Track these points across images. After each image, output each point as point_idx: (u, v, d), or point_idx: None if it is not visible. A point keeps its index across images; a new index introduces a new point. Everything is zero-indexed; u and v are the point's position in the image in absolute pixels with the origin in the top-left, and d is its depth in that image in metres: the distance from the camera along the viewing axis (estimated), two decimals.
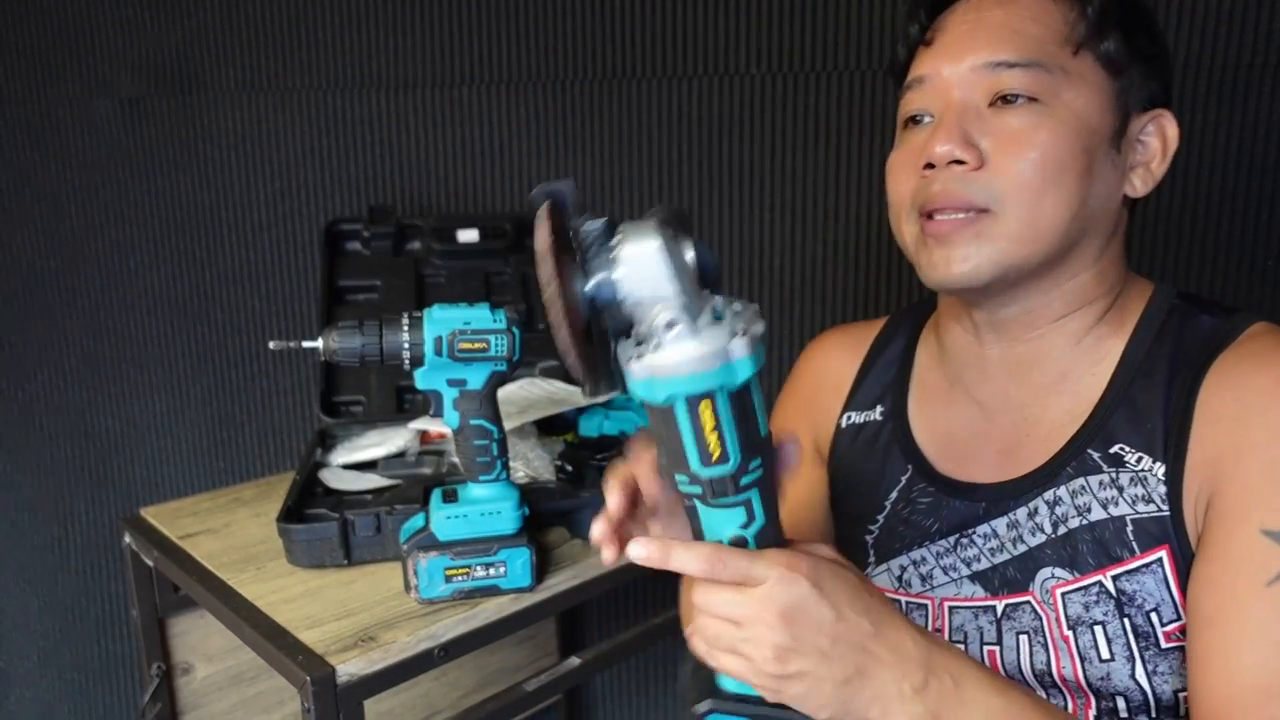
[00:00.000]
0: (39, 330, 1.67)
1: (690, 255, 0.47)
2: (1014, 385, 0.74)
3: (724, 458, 0.49)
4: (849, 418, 0.86)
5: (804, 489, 0.89)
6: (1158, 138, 0.71)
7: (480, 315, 0.91)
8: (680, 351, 0.46)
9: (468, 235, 1.46)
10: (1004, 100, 0.67)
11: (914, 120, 0.73)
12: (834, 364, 0.90)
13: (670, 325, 0.46)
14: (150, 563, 1.14)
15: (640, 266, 0.46)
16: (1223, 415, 0.63)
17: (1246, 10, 1.23)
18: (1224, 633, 0.58)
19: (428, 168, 1.58)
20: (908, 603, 0.77)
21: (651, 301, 0.46)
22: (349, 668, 0.85)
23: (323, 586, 0.99)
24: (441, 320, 0.90)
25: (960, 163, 0.67)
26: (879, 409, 0.84)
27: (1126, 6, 0.69)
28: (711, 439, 0.48)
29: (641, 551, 0.52)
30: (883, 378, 0.86)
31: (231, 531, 1.14)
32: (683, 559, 0.51)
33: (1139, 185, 0.71)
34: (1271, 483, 0.59)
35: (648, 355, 0.47)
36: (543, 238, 0.46)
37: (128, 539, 1.16)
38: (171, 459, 1.69)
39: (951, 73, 0.69)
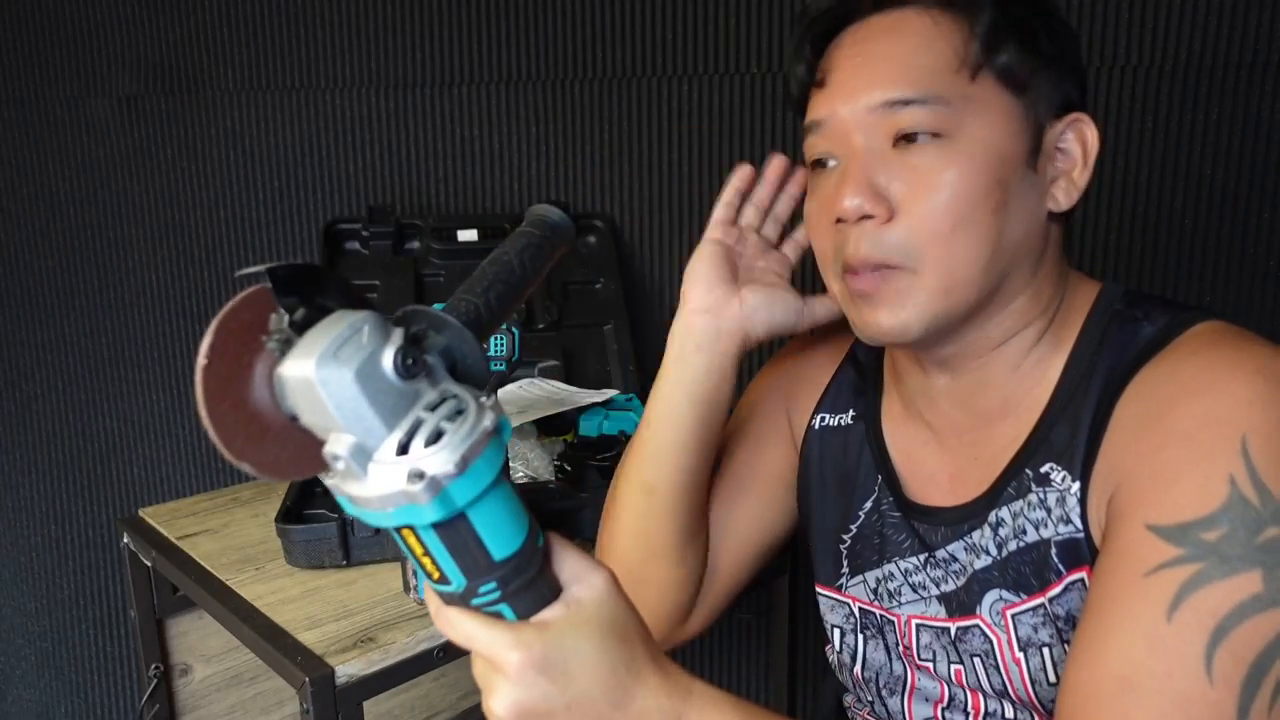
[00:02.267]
0: (37, 330, 1.66)
1: (387, 368, 0.39)
2: (960, 412, 0.72)
3: (445, 580, 0.44)
4: (822, 419, 0.85)
5: (775, 466, 0.87)
6: (1077, 144, 0.66)
7: None
8: (351, 488, 0.40)
9: (467, 235, 1.46)
10: (906, 139, 0.64)
11: (819, 163, 0.70)
12: (817, 356, 0.88)
13: (336, 459, 0.40)
14: (149, 563, 1.13)
15: (301, 395, 0.39)
16: (1128, 425, 0.61)
17: (1247, 10, 1.23)
18: (1096, 622, 0.57)
19: (427, 167, 1.58)
20: (881, 615, 0.76)
21: (324, 429, 0.40)
22: (348, 668, 0.85)
23: (321, 587, 0.99)
24: None
25: (870, 216, 0.64)
26: (851, 413, 0.83)
27: (1019, 10, 0.64)
28: (425, 562, 0.43)
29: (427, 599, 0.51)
30: (855, 383, 0.84)
31: (230, 532, 1.14)
32: (437, 618, 0.49)
33: (1062, 199, 0.66)
34: (1160, 482, 0.57)
35: (328, 479, 0.41)
36: (225, 311, 0.41)
37: (126, 539, 1.15)
38: (170, 459, 1.68)
39: (849, 114, 0.65)
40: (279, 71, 1.56)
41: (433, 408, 0.40)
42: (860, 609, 0.78)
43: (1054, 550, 0.64)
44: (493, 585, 0.44)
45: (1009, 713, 0.69)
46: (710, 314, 0.77)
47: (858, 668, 0.79)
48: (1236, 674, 0.52)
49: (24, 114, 1.61)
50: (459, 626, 0.48)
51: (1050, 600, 0.65)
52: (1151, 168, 1.31)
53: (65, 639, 1.75)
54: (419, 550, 0.43)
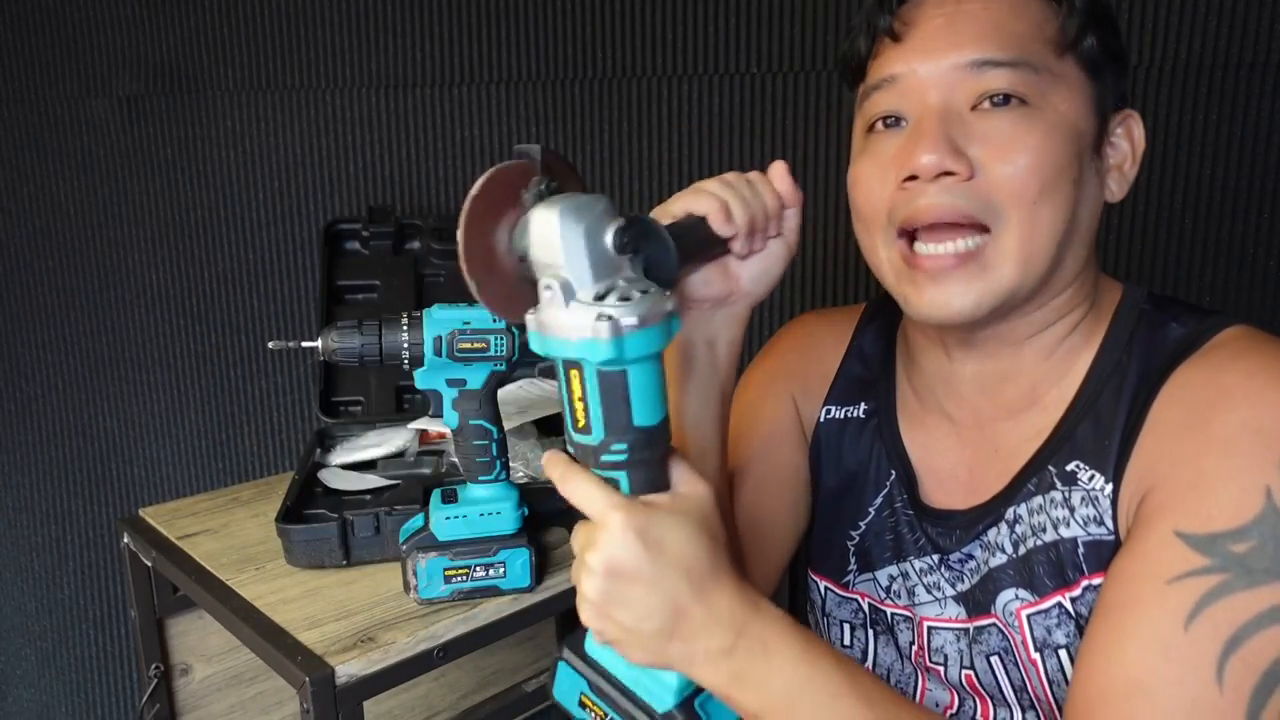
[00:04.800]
0: (37, 330, 1.66)
1: (609, 237, 0.51)
2: (985, 400, 0.71)
3: (587, 429, 0.52)
4: (829, 411, 0.83)
5: (793, 461, 0.84)
6: (1127, 139, 0.68)
7: (480, 315, 0.91)
8: (551, 316, 0.50)
9: None
10: (990, 102, 0.62)
11: (882, 123, 0.66)
12: (819, 349, 0.86)
13: (548, 288, 0.50)
14: (149, 563, 1.13)
15: (540, 232, 0.51)
16: (1166, 428, 0.61)
17: (1247, 10, 1.23)
18: (1112, 624, 0.57)
19: (427, 167, 1.58)
20: (894, 614, 0.75)
21: (546, 266, 0.51)
22: (348, 668, 0.85)
23: (322, 587, 0.99)
24: (441, 320, 0.89)
25: (949, 174, 0.61)
26: (862, 406, 0.81)
27: (1101, 5, 0.65)
28: (578, 406, 0.52)
29: (548, 465, 0.57)
30: (864, 374, 0.82)
31: (230, 532, 1.14)
32: (561, 481, 0.55)
33: (1115, 190, 0.67)
34: (1195, 489, 0.56)
35: (533, 312, 0.52)
36: (499, 168, 0.53)
37: (126, 539, 1.15)
38: (170, 459, 1.68)
39: (929, 72, 0.63)
40: (279, 71, 1.56)
41: (629, 280, 0.51)
42: (870, 605, 0.77)
43: (1080, 550, 0.64)
44: (624, 447, 0.52)
45: (1018, 719, 0.69)
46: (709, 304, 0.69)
47: (867, 665, 0.78)
48: (1248, 682, 0.52)
49: (24, 114, 1.61)
50: (580, 488, 0.54)
51: (1072, 599, 0.64)
52: (1151, 168, 1.31)
53: (65, 639, 1.75)
54: (577, 393, 0.51)
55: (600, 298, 0.50)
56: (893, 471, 0.77)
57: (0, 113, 1.61)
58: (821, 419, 0.83)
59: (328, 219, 1.50)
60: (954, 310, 0.63)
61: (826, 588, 0.81)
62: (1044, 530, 0.66)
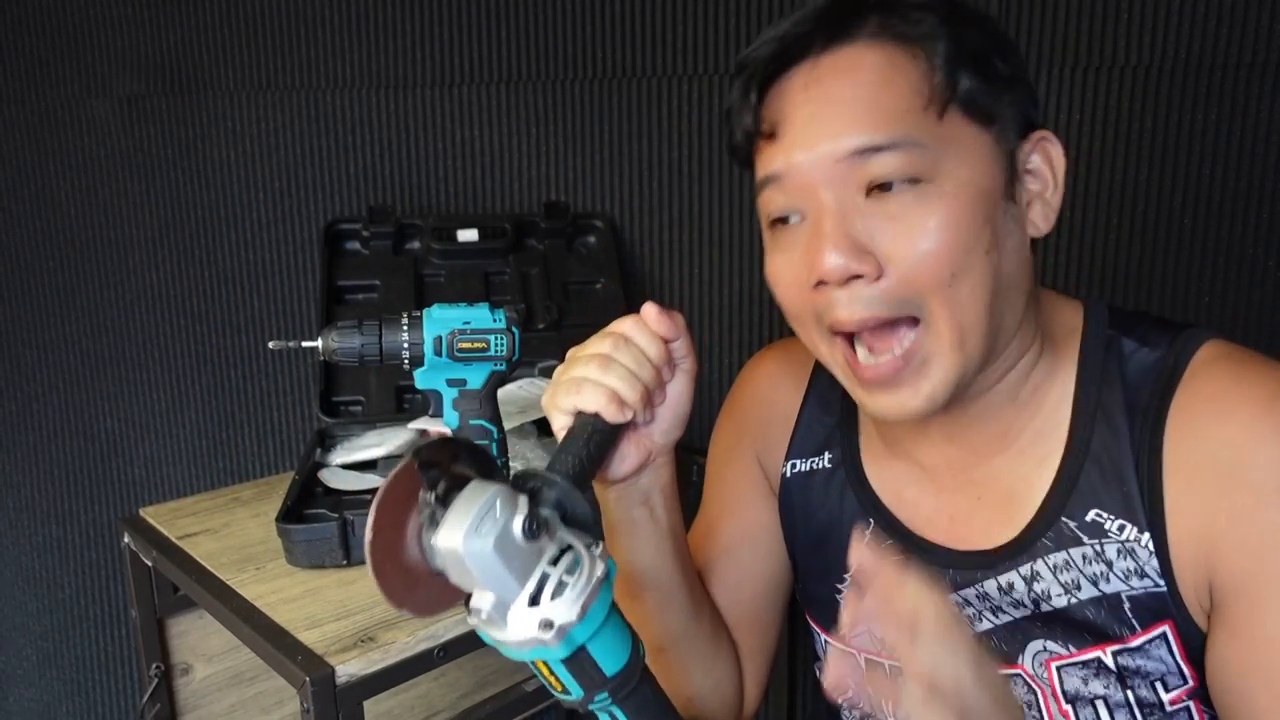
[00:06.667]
0: (37, 330, 1.66)
1: (517, 533, 0.47)
2: (954, 448, 0.69)
3: (566, 692, 0.52)
4: (794, 465, 0.79)
5: (763, 521, 0.82)
6: (1045, 164, 0.63)
7: (480, 315, 0.91)
8: (492, 634, 0.49)
9: (467, 235, 1.46)
10: (881, 188, 0.58)
11: (781, 220, 0.64)
12: (779, 394, 0.82)
13: (479, 612, 0.48)
14: (149, 563, 1.13)
15: (451, 563, 0.47)
16: (1197, 478, 0.59)
17: (1247, 10, 1.23)
18: None
19: (427, 167, 1.58)
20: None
21: (466, 585, 0.48)
22: (348, 668, 0.85)
23: (322, 586, 0.99)
24: (441, 320, 0.89)
25: (858, 276, 0.58)
26: (827, 455, 0.78)
27: (972, 36, 0.60)
28: (551, 679, 0.51)
29: None
30: (825, 419, 0.79)
31: (231, 532, 1.14)
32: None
33: (1041, 224, 0.63)
34: (1275, 551, 0.55)
35: (471, 620, 0.49)
36: (383, 490, 0.48)
37: (127, 539, 1.16)
38: (170, 459, 1.68)
39: (811, 164, 0.59)
40: (279, 71, 1.56)
41: (554, 561, 0.48)
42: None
43: (1126, 605, 0.62)
44: (604, 695, 0.52)
45: None
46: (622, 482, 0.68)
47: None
48: None
49: (24, 114, 1.61)
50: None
51: (1114, 653, 0.63)
52: (1151, 168, 1.31)
53: (66, 638, 1.75)
54: (546, 672, 0.51)
55: (534, 599, 0.47)
56: (870, 520, 0.74)
57: (0, 112, 1.61)
58: (787, 474, 0.80)
59: (328, 219, 1.50)
60: (910, 411, 0.62)
61: (826, 641, 0.79)
62: (1079, 588, 0.63)
